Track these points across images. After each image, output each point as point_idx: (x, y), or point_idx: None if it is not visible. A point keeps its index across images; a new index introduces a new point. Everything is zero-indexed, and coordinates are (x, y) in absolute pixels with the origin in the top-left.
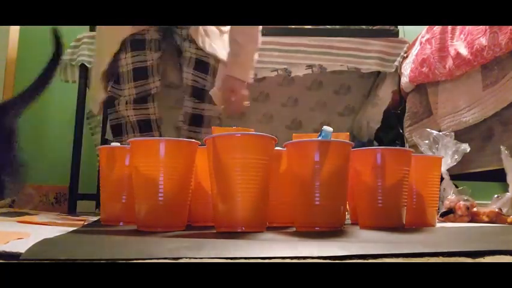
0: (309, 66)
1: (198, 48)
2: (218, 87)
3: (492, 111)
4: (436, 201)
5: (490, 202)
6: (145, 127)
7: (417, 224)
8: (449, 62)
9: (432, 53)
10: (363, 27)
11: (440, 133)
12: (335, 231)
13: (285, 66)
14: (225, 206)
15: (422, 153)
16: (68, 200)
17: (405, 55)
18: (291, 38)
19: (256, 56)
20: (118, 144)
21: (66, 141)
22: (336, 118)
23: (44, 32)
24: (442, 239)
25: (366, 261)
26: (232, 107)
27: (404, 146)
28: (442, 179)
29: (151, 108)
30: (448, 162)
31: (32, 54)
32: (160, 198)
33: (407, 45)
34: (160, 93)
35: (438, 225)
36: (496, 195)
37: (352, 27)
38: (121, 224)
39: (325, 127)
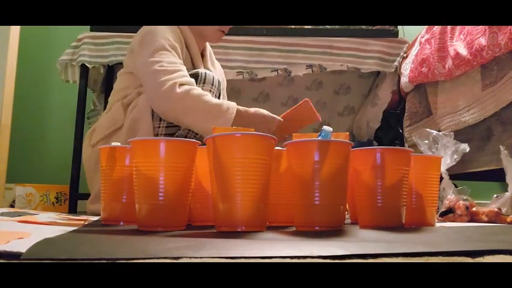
0: (309, 66)
1: None
2: None
3: (491, 111)
4: (436, 200)
5: (489, 202)
6: None
7: (417, 224)
8: (449, 62)
9: (432, 53)
10: (363, 27)
11: (440, 133)
12: (334, 231)
13: (285, 66)
14: (225, 205)
15: (421, 153)
16: (68, 200)
17: (405, 55)
18: (291, 38)
19: None
20: (118, 144)
21: (66, 141)
22: (336, 118)
23: (44, 32)
24: (442, 238)
25: (365, 260)
26: None
27: (403, 146)
28: (442, 178)
29: None
30: (447, 162)
31: (32, 54)
32: (160, 198)
33: (407, 45)
34: None
35: (438, 224)
36: (495, 195)
37: (352, 27)
38: (122, 223)
39: (325, 127)
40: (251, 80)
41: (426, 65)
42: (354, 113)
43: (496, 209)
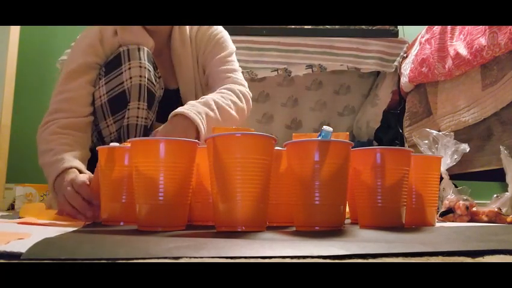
0: (309, 66)
1: None
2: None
3: (491, 111)
4: (436, 200)
5: (489, 202)
6: None
7: (417, 224)
8: (449, 62)
9: (432, 53)
10: (363, 27)
11: (440, 133)
12: (334, 231)
13: (285, 66)
14: (225, 205)
15: (421, 153)
16: None
17: (405, 55)
18: (291, 38)
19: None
20: (116, 144)
21: None
22: (336, 118)
23: (44, 32)
24: (442, 238)
25: (366, 260)
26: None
27: (403, 146)
28: (442, 178)
29: None
30: (447, 162)
31: (32, 54)
32: (160, 198)
33: (407, 45)
34: None
35: (438, 224)
36: (495, 195)
37: (352, 27)
38: (122, 223)
39: (325, 127)
40: (251, 80)
41: (427, 65)
42: (354, 113)
43: (496, 209)
